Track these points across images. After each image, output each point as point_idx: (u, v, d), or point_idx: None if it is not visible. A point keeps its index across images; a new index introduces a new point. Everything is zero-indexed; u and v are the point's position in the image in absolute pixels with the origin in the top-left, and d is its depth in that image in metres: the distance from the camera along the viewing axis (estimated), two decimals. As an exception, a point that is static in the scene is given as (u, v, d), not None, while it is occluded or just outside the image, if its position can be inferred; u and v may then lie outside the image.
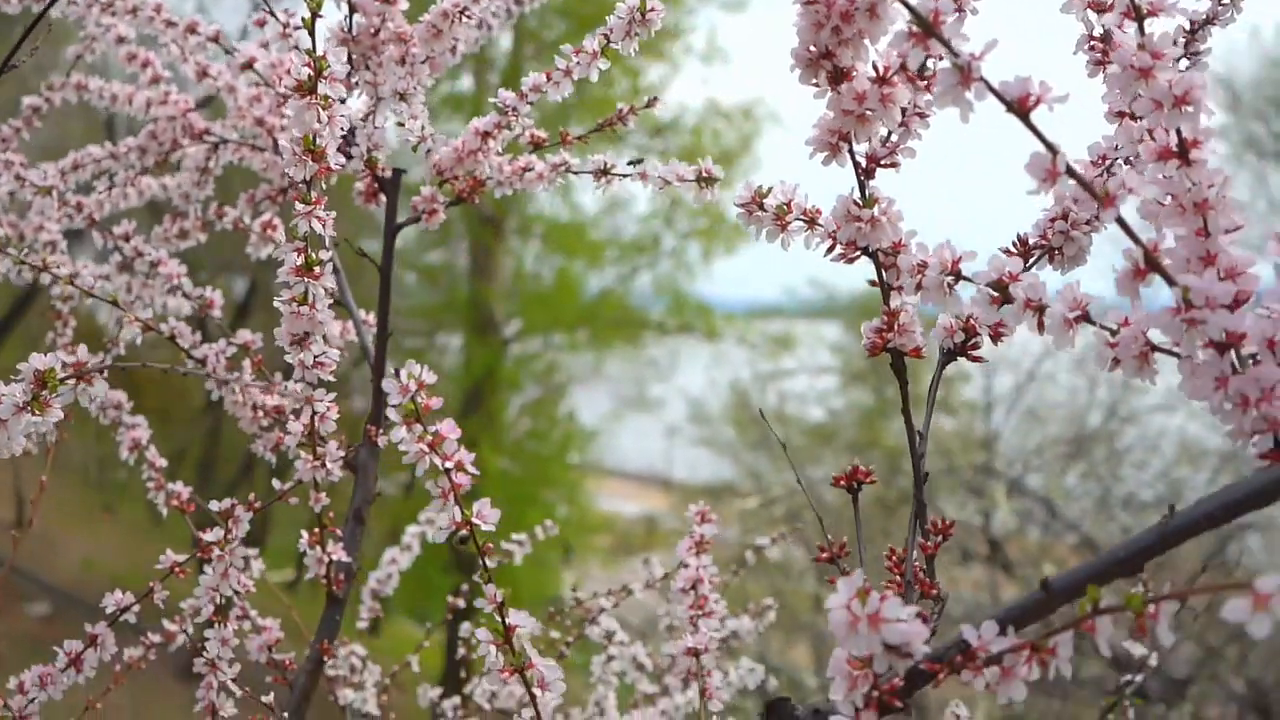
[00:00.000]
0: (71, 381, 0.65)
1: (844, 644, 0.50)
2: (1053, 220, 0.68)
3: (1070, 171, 0.50)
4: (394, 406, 0.60)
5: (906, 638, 0.49)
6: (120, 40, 1.17)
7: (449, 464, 0.61)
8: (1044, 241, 0.68)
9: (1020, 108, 0.50)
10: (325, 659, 0.98)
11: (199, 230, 1.20)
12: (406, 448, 0.61)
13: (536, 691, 0.64)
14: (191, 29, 1.07)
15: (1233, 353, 0.52)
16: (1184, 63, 0.71)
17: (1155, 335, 0.54)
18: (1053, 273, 0.70)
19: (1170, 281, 0.51)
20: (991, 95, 0.51)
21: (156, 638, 1.14)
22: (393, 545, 1.43)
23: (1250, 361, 0.52)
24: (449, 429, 0.62)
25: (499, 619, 0.64)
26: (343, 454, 0.90)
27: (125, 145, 1.18)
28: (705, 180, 0.81)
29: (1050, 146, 0.50)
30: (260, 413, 1.01)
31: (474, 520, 0.62)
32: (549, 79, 0.91)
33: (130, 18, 1.09)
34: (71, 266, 1.14)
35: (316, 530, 0.95)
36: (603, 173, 0.95)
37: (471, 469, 0.62)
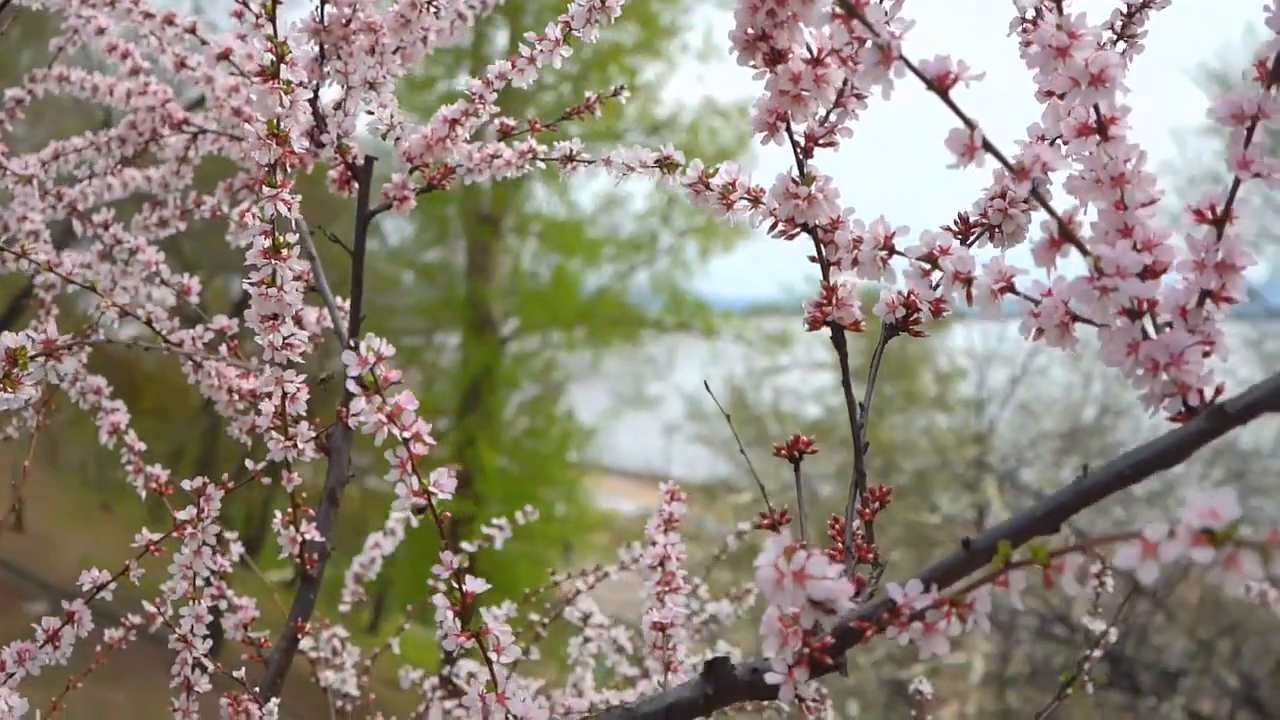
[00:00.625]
0: (41, 359, 0.67)
1: (772, 600, 0.52)
2: (992, 199, 0.70)
3: (987, 146, 0.52)
4: (353, 378, 0.62)
5: (831, 594, 0.52)
6: (100, 31, 1.19)
7: (407, 434, 0.63)
8: (984, 220, 0.70)
9: (939, 85, 0.52)
10: (299, 636, 1.00)
11: (178, 219, 1.22)
12: (365, 418, 0.63)
13: (492, 655, 0.66)
14: (169, 20, 1.09)
15: (1148, 320, 0.55)
16: (1120, 45, 0.73)
17: (1076, 305, 0.57)
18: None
19: (1084, 251, 0.53)
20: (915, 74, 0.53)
21: (136, 619, 1.16)
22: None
23: (1166, 329, 0.54)
24: (407, 400, 0.64)
25: (456, 586, 0.66)
26: (314, 435, 0.92)
27: (105, 135, 1.20)
28: (666, 166, 0.83)
29: (968, 122, 0.52)
30: (236, 396, 1.03)
31: (431, 489, 0.64)
32: (514, 66, 0.94)
33: (109, 9, 1.12)
34: (54, 255, 1.16)
35: (290, 510, 0.97)
36: (568, 159, 0.97)
37: (429, 439, 0.64)
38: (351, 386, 0.62)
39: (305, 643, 1.33)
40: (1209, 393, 0.52)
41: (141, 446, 1.11)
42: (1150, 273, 0.55)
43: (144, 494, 1.07)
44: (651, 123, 10.80)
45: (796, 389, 9.98)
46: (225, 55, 1.06)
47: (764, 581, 0.52)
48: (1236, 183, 0.54)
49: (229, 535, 1.16)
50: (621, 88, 1.02)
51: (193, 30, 1.11)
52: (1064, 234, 0.53)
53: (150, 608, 1.15)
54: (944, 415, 8.73)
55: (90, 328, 1.07)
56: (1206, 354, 0.53)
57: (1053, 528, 0.53)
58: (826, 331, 0.69)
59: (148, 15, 1.10)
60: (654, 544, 0.96)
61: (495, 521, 1.39)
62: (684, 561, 0.96)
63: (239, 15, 1.12)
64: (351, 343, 0.61)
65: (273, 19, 0.75)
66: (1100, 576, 1.16)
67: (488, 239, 11.08)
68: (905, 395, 9.67)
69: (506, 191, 11.28)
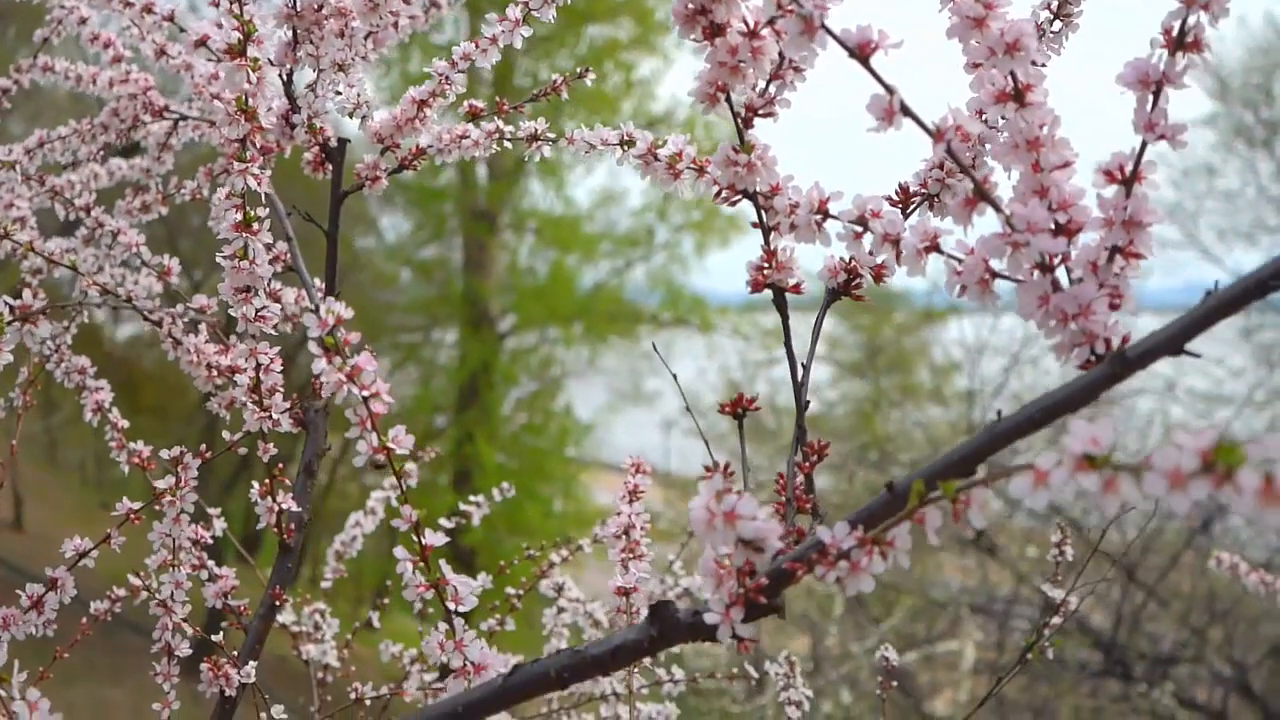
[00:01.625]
0: (17, 324, 0.70)
1: (704, 540, 0.55)
2: (930, 169, 0.73)
3: (905, 110, 0.55)
4: (314, 339, 0.65)
5: (760, 533, 0.55)
6: (83, 21, 1.22)
7: (366, 393, 0.66)
8: (923, 189, 0.73)
9: (860, 54, 0.55)
10: (278, 604, 1.03)
11: (160, 204, 1.25)
12: (326, 379, 0.66)
13: (450, 605, 0.69)
14: (148, 9, 1.12)
15: (1062, 274, 0.58)
16: (1057, 24, 0.76)
17: (996, 264, 0.60)
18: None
19: (997, 209, 0.56)
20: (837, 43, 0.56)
21: (121, 591, 1.19)
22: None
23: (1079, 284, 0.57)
24: (366, 361, 0.67)
25: (415, 539, 0.69)
26: (289, 406, 0.95)
27: (87, 122, 1.23)
28: (626, 143, 0.86)
29: (888, 88, 0.55)
30: (214, 372, 1.06)
31: (390, 445, 0.67)
32: (477, 46, 0.97)
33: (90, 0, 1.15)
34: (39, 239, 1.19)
35: (267, 481, 1.00)
36: (533, 138, 1.00)
37: (388, 398, 0.67)
38: (313, 348, 0.65)
39: (287, 617, 1.37)
40: (1115, 342, 0.55)
41: (125, 424, 1.14)
42: (1066, 231, 0.58)
43: (127, 469, 1.10)
44: (648, 118, 10.82)
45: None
46: (203, 42, 1.08)
47: (696, 522, 0.55)
48: (1144, 144, 0.57)
49: (213, 511, 1.19)
50: (586, 70, 1.05)
51: (170, 18, 1.14)
52: (979, 193, 0.56)
53: (136, 581, 1.19)
54: (940, 409, 8.77)
55: (74, 306, 1.10)
56: (1115, 306, 0.56)
57: (968, 471, 0.56)
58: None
59: (127, 4, 1.13)
60: (619, 514, 1.00)
61: (473, 499, 1.42)
62: (647, 530, 1.00)
63: (215, 3, 1.15)
64: (313, 306, 0.64)
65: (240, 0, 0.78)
66: (1060, 546, 1.19)
67: (484, 235, 11.12)
68: (902, 389, 9.69)
69: (503, 188, 11.32)
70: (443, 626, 0.69)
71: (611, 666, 0.63)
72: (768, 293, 0.72)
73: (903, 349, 10.27)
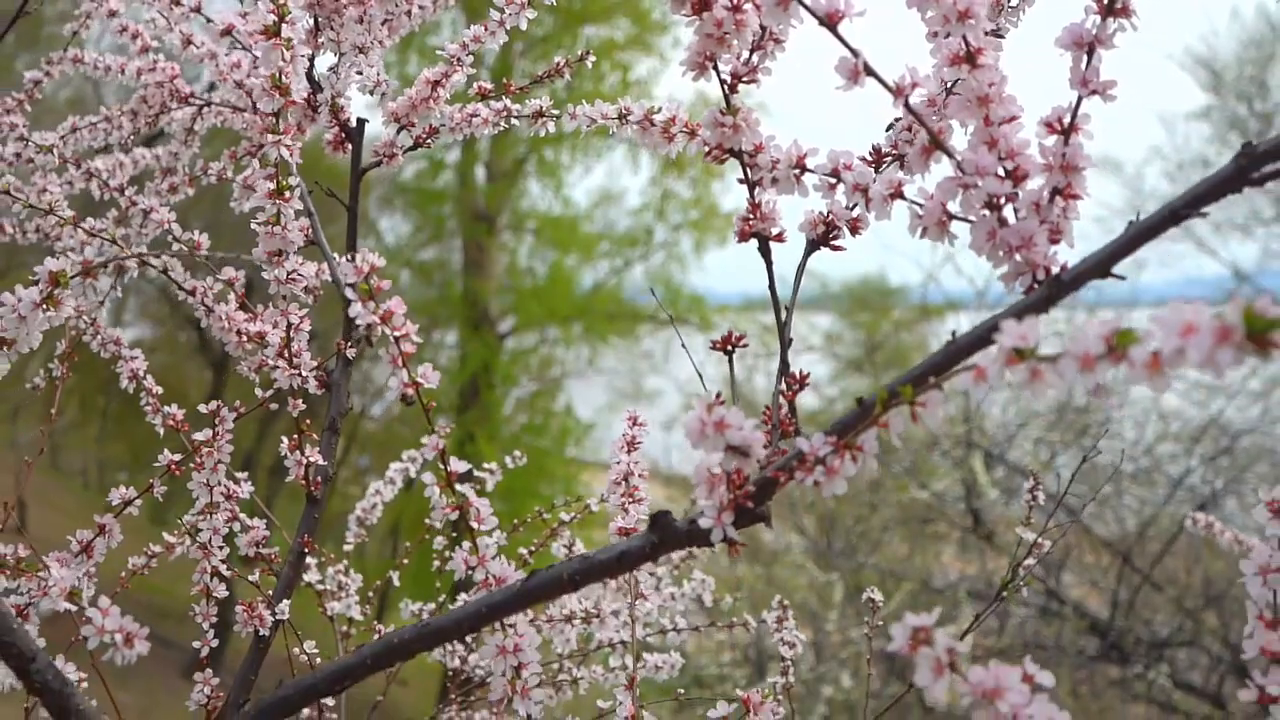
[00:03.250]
0: (79, 278, 0.77)
1: (695, 444, 0.63)
2: (901, 131, 0.81)
3: (869, 71, 0.63)
4: (349, 285, 0.73)
5: (746, 440, 0.63)
6: (112, 14, 1.30)
7: (398, 333, 0.74)
8: (894, 150, 0.81)
9: (829, 21, 0.63)
10: (306, 552, 1.11)
11: (187, 185, 1.33)
12: (362, 320, 0.74)
13: (474, 524, 0.77)
14: (175, 1, 1.20)
15: (1010, 213, 0.66)
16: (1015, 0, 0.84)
17: (952, 206, 0.68)
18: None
19: (950, 156, 0.64)
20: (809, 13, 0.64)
21: (158, 548, 1.27)
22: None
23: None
24: (397, 305, 0.75)
25: (442, 466, 0.77)
26: (316, 364, 1.03)
27: (118, 109, 1.31)
28: (624, 116, 0.94)
29: (853, 51, 0.63)
30: (244, 338, 1.13)
31: (419, 379, 0.75)
32: (486, 29, 1.05)
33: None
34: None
35: (295, 436, 1.08)
36: (539, 115, 1.08)
37: (416, 338, 0.75)
38: (349, 293, 0.73)
39: (312, 576, 1.44)
40: (1055, 270, 0.63)
41: (159, 390, 1.22)
42: (1014, 176, 0.66)
43: (162, 431, 1.17)
44: (652, 107, 10.89)
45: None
46: (228, 31, 1.16)
47: (690, 431, 0.63)
48: (1079, 99, 0.65)
49: (241, 475, 1.27)
50: (587, 53, 1.13)
51: (198, 9, 1.22)
52: (934, 142, 0.64)
53: (171, 538, 1.27)
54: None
55: (120, 260, 1.18)
56: (1055, 240, 0.64)
57: (938, 384, 0.63)
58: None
59: (157, -5, 1.21)
60: (618, 462, 1.07)
61: (486, 465, 1.50)
62: (645, 477, 1.07)
63: (241, -4, 1.23)
64: (348, 255, 0.72)
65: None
66: (1033, 491, 1.27)
67: (484, 237, 11.19)
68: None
69: (501, 189, 11.40)
70: (466, 545, 0.77)
71: (617, 570, 0.71)
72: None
73: (901, 345, 10.35)
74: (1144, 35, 0.77)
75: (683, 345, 1.09)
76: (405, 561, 1.53)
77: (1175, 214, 0.58)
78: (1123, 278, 0.60)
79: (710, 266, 12.14)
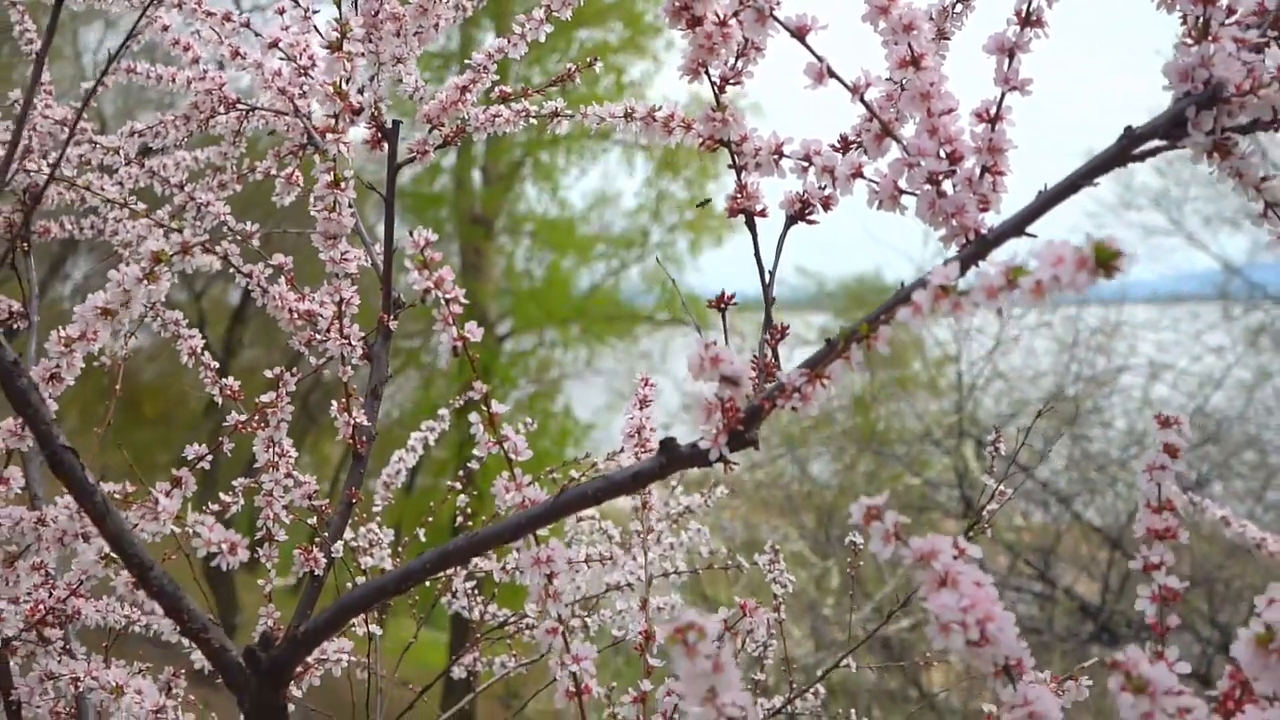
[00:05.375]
0: (179, 256, 0.92)
1: (695, 377, 0.78)
2: (862, 122, 0.96)
3: (831, 73, 0.78)
4: (409, 256, 0.88)
5: (736, 370, 0.78)
6: (165, 29, 1.45)
7: (448, 295, 0.89)
8: (858, 138, 0.96)
9: (799, 34, 0.78)
10: (353, 502, 1.26)
11: (235, 182, 1.48)
12: (418, 285, 0.89)
13: (512, 456, 0.92)
14: (227, 18, 1.35)
15: (949, 186, 0.81)
16: (959, 6, 0.99)
17: (902, 183, 0.83)
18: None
19: (898, 141, 0.79)
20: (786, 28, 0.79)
21: (215, 506, 1.41)
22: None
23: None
24: (447, 273, 0.90)
25: (485, 408, 0.92)
26: (363, 335, 1.18)
27: (172, 114, 1.46)
28: (629, 115, 1.09)
29: (818, 57, 0.79)
30: (294, 315, 1.28)
31: (465, 334, 0.90)
32: (509, 41, 1.20)
33: (177, 10, 1.37)
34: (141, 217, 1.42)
35: (344, 400, 1.23)
36: (554, 115, 1.23)
37: (463, 300, 0.90)
38: (408, 263, 0.89)
39: (346, 534, 1.59)
40: (983, 232, 0.78)
41: (215, 365, 1.37)
42: (950, 158, 0.81)
43: (220, 401, 1.32)
44: (653, 105, 11.04)
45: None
46: (274, 44, 1.31)
47: (690, 365, 0.78)
48: (1003, 94, 0.80)
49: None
50: (594, 59, 1.28)
51: (246, 24, 1.37)
52: (885, 131, 0.79)
53: (228, 498, 1.41)
54: (934, 401, 9.00)
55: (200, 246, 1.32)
56: (984, 209, 0.79)
57: (887, 321, 0.78)
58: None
59: (209, 14, 1.36)
60: (631, 417, 1.22)
61: (524, 421, 1.65)
62: (654, 431, 1.22)
63: (282, 11, 1.38)
64: (410, 230, 0.87)
65: (339, 5, 1.01)
66: (994, 444, 1.42)
67: (481, 240, 11.34)
68: (898, 382, 9.91)
69: (498, 193, 11.55)
70: (505, 474, 0.92)
71: (633, 487, 0.86)
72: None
73: (897, 342, 10.51)
74: (1134, 32, 0.91)
75: (699, 328, 1.24)
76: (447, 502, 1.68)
77: (1074, 184, 0.73)
78: (1034, 235, 0.75)
79: (706, 266, 12.29)
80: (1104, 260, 0.56)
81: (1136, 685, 0.59)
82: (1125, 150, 0.73)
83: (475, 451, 0.92)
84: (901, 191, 0.82)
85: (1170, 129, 0.72)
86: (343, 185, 1.03)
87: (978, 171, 0.80)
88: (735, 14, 0.84)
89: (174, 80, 1.49)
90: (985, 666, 0.67)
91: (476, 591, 1.70)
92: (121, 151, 1.40)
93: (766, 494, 7.49)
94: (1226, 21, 0.74)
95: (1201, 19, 0.72)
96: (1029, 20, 0.80)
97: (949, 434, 6.15)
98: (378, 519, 1.60)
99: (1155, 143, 0.74)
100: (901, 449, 7.38)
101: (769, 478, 7.59)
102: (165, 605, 0.85)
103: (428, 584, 1.74)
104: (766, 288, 0.92)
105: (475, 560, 1.75)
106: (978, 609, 0.65)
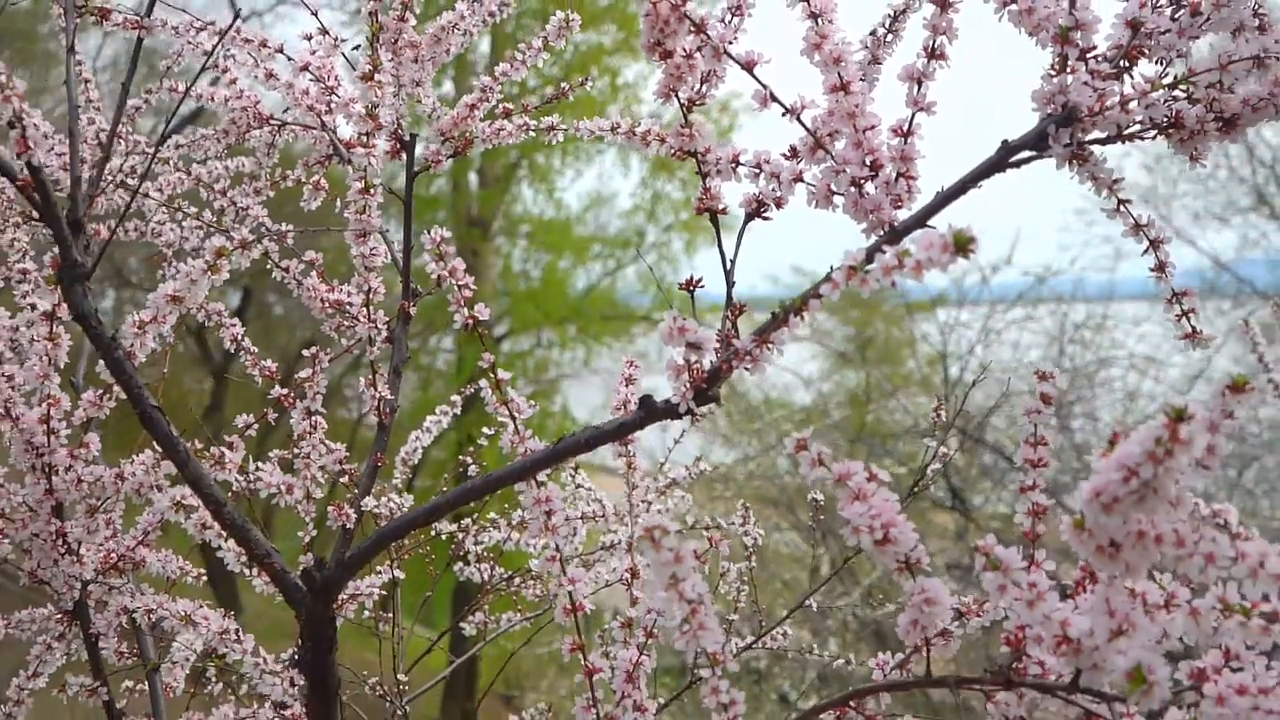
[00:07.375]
0: (239, 250, 1.11)
1: (666, 343, 0.97)
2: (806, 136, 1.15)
3: (773, 98, 0.97)
4: (426, 250, 1.07)
5: (700, 338, 0.96)
6: (206, 54, 1.63)
7: (460, 282, 1.08)
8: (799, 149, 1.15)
9: (747, 66, 0.97)
10: (379, 465, 1.45)
11: (269, 188, 1.67)
12: (434, 271, 1.08)
13: (516, 414, 1.11)
14: (263, 44, 1.54)
15: (871, 187, 1.00)
16: (889, 36, 1.18)
17: (833, 185, 1.02)
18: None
19: (828, 153, 0.98)
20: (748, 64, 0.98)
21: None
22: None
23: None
24: (460, 263, 1.09)
25: (493, 375, 1.11)
26: (388, 319, 1.37)
27: (213, 129, 1.65)
28: (615, 128, 1.28)
29: (763, 85, 0.98)
30: (325, 303, 1.47)
31: (476, 315, 1.09)
32: (512, 65, 1.39)
33: (215, 37, 1.56)
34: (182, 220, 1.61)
35: (370, 376, 1.42)
36: (552, 129, 1.42)
37: (472, 285, 1.09)
38: (427, 255, 1.08)
39: (368, 501, 1.78)
40: (897, 225, 0.97)
41: (255, 350, 1.56)
42: (872, 166, 1.00)
43: (260, 381, 1.51)
44: (636, 121, 11.24)
45: (789, 383, 10.42)
46: (305, 67, 1.50)
47: (663, 334, 0.97)
48: (913, 114, 0.99)
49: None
50: (586, 78, 1.47)
51: (281, 50, 1.55)
52: (817, 143, 0.98)
53: (280, 452, 1.60)
54: (927, 400, 9.19)
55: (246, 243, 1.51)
56: (898, 206, 0.98)
57: (817, 296, 0.97)
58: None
59: (247, 40, 1.55)
60: (618, 393, 1.41)
61: (487, 431, 1.84)
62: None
63: (309, 38, 1.57)
64: (426, 230, 1.06)
65: (373, 44, 1.20)
66: (937, 411, 1.61)
67: (478, 242, 11.53)
68: (892, 380, 10.11)
69: (494, 194, 11.73)
70: (511, 428, 1.11)
71: (618, 436, 1.05)
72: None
73: (891, 340, 10.71)
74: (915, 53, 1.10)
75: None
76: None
77: (963, 187, 0.92)
78: (934, 228, 0.94)
79: (702, 266, 12.46)
80: (961, 245, 0.75)
81: (993, 564, 0.78)
82: (1003, 159, 0.92)
83: (484, 429, 1.11)
84: (833, 192, 1.01)
85: (1036, 142, 0.91)
86: (372, 191, 1.22)
87: (894, 176, 0.99)
88: (698, 49, 1.03)
89: (213, 99, 1.68)
90: (890, 563, 0.86)
91: (487, 555, 1.90)
92: (171, 161, 1.59)
93: (759, 486, 7.69)
94: (1089, 54, 0.93)
95: (1059, 54, 0.91)
96: (933, 54, 0.99)
97: (936, 425, 6.36)
98: (399, 490, 1.79)
99: (1027, 153, 0.93)
100: (891, 442, 7.58)
101: (761, 470, 7.78)
102: (236, 536, 1.04)
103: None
104: (728, 273, 1.11)
105: (483, 532, 1.94)
106: (882, 516, 0.83)
